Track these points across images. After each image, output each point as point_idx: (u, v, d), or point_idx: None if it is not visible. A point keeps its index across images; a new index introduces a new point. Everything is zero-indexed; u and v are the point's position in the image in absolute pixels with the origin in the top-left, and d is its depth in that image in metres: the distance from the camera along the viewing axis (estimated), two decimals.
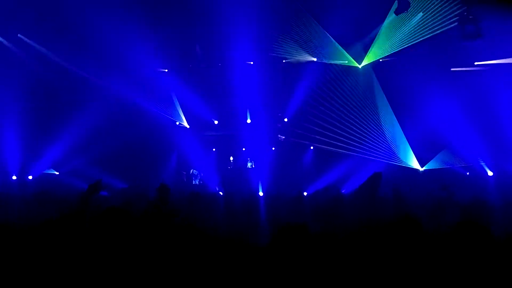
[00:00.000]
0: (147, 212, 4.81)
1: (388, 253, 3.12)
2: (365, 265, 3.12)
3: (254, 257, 3.27)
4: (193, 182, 14.55)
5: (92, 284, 2.85)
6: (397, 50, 12.75)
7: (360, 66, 13.67)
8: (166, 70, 14.14)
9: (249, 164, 15.37)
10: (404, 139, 13.54)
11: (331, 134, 13.98)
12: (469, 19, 10.16)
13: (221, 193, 11.83)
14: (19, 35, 12.66)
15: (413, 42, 12.25)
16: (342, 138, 13.82)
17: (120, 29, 12.18)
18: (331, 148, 13.91)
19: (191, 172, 14.69)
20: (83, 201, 3.98)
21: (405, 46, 12.51)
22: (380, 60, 13.38)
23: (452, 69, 12.88)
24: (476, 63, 12.78)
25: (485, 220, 4.91)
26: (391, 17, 12.27)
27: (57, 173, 13.41)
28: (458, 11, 10.62)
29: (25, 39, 12.68)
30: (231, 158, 15.33)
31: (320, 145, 14.44)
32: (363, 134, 13.77)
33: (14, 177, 12.58)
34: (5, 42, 12.71)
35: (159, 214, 4.66)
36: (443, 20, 11.29)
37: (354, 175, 12.48)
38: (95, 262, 2.97)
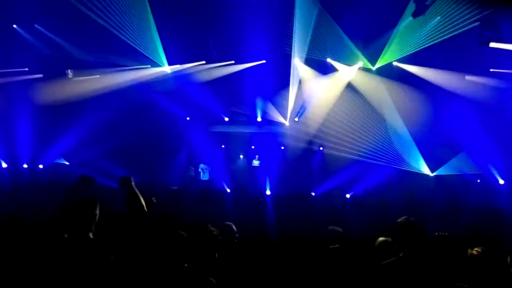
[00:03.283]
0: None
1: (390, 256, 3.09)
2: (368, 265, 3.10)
3: (261, 254, 3.26)
4: (202, 177, 14.57)
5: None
6: (411, 52, 12.59)
7: (374, 68, 13.53)
8: (179, 66, 14.17)
9: (255, 162, 15.33)
10: (414, 144, 13.40)
11: (339, 137, 13.91)
12: (489, 24, 9.96)
13: (228, 189, 11.85)
14: (35, 25, 12.78)
15: (428, 45, 12.07)
16: (350, 142, 13.74)
17: (135, 24, 12.29)
18: (339, 153, 13.84)
19: (200, 167, 14.72)
20: (74, 193, 3.82)
21: (420, 48, 12.35)
22: (394, 63, 13.23)
23: (466, 77, 12.64)
24: (492, 70, 12.55)
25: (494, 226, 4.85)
26: (407, 18, 12.11)
27: (68, 163, 13.54)
28: (478, 16, 10.42)
29: (42, 29, 12.79)
30: (241, 156, 15.34)
31: (328, 148, 14.38)
32: (373, 138, 13.68)
33: (25, 166, 12.73)
34: (22, 32, 12.84)
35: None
36: (459, 23, 11.10)
37: (361, 179, 12.42)
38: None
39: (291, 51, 13.46)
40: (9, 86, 12.83)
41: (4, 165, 12.45)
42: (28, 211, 4.79)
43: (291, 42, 13.16)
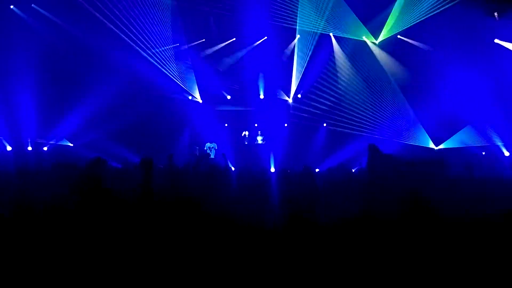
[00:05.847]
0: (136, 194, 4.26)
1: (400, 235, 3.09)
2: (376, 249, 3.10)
3: (264, 239, 3.28)
4: (210, 156, 14.53)
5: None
6: (414, 23, 12.30)
7: (377, 42, 13.30)
8: (178, 45, 13.96)
9: (259, 139, 15.29)
10: (417, 118, 13.29)
11: (342, 114, 13.82)
12: None
13: (233, 168, 11.89)
14: (33, 5, 12.61)
15: (431, 15, 11.79)
16: (354, 118, 13.64)
17: (136, 3, 12.10)
18: (343, 130, 13.77)
19: (206, 146, 14.68)
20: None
21: (423, 19, 12.06)
22: (398, 35, 12.98)
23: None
24: (496, 41, 12.31)
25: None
26: None
27: (72, 144, 13.59)
28: None
29: (41, 10, 12.62)
30: (245, 133, 15.25)
31: (332, 125, 14.30)
32: (376, 113, 13.57)
33: (29, 148, 12.78)
34: (20, 13, 12.68)
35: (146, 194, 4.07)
36: None
37: (365, 155, 12.38)
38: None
39: (295, 26, 13.23)
40: (9, 70, 12.76)
41: (9, 148, 12.51)
42: (39, 196, 4.84)
43: (295, 17, 12.92)
